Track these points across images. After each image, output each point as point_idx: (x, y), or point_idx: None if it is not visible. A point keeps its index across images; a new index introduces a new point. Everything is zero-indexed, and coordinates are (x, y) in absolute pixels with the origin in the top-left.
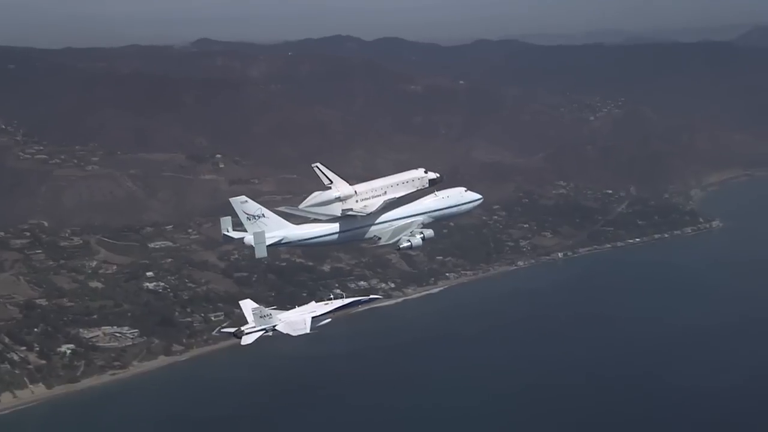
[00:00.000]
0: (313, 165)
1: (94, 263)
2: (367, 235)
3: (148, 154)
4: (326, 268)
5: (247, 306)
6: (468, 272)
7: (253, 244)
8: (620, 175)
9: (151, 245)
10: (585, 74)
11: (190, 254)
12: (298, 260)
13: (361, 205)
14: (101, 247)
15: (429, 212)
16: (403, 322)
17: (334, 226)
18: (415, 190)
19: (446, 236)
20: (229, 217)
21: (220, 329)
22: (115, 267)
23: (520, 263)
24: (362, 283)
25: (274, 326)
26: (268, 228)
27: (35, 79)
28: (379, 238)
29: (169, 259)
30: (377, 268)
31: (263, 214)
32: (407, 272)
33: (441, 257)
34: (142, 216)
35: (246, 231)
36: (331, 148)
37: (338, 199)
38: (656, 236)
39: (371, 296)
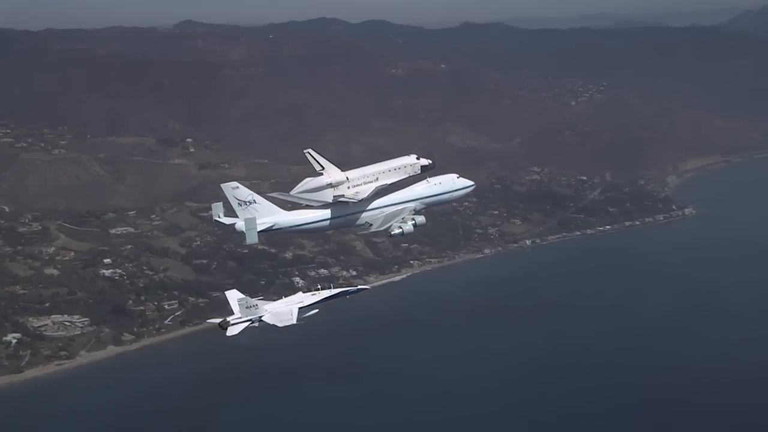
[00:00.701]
0: (304, 151)
1: (52, 249)
2: (359, 222)
3: (118, 138)
4: (288, 255)
5: (233, 296)
6: (433, 260)
7: (243, 230)
8: (597, 161)
9: (113, 231)
10: (570, 58)
11: (151, 240)
12: (260, 247)
13: (352, 191)
14: (61, 233)
15: (421, 198)
16: (358, 311)
17: (326, 213)
18: (407, 176)
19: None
20: (221, 203)
21: (207, 320)
22: (72, 253)
23: (487, 251)
24: (323, 270)
25: (261, 317)
26: (259, 214)
27: (10, 61)
28: (371, 225)
29: (129, 246)
30: (340, 255)
31: (254, 200)
32: (371, 260)
33: (406, 244)
34: (107, 201)
35: (237, 217)
36: (305, 132)
37: (329, 186)
38: (627, 224)
39: (359, 287)
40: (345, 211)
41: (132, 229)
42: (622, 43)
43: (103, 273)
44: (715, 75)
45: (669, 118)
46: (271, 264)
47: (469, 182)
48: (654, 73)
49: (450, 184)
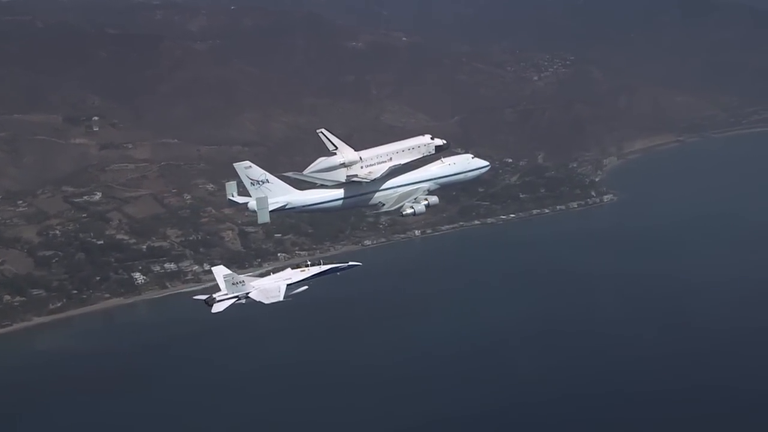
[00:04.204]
0: (317, 131)
1: None
2: (372, 201)
3: (24, 116)
4: (144, 247)
5: (220, 273)
6: (304, 252)
7: (256, 209)
8: (535, 142)
9: None
10: (549, 29)
11: (7, 229)
12: (119, 236)
13: (365, 171)
14: None
15: (435, 179)
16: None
17: (339, 192)
18: (420, 156)
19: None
20: (234, 182)
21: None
22: None
23: (368, 242)
24: (170, 265)
25: (247, 294)
26: (272, 193)
27: None
28: (383, 204)
29: None
30: (203, 247)
31: (267, 180)
32: (236, 252)
33: (280, 234)
34: None
35: (250, 196)
36: (228, 109)
37: (343, 165)
38: (535, 212)
39: (350, 263)
40: (358, 190)
41: None
42: (608, 11)
43: None
44: (695, 47)
45: (628, 94)
46: (119, 257)
47: (484, 162)
48: (630, 45)
49: (464, 164)
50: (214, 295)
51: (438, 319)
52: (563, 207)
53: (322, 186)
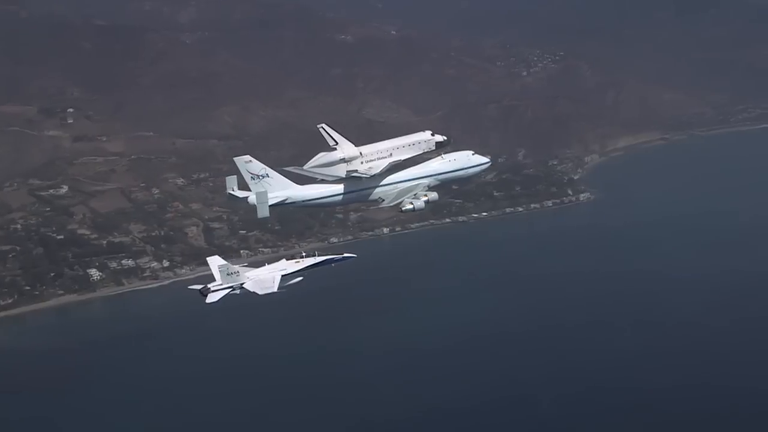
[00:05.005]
0: (318, 126)
1: None
2: (372, 197)
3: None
4: (104, 242)
5: (214, 263)
6: (267, 249)
7: (255, 203)
8: (517, 138)
9: None
10: (543, 24)
11: None
12: (81, 231)
13: (366, 166)
14: None
15: (435, 175)
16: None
17: (339, 187)
18: (421, 152)
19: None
20: (235, 177)
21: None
22: None
23: (334, 240)
24: (128, 262)
25: (242, 284)
26: (271, 188)
27: None
28: (383, 200)
29: None
30: (164, 243)
31: (267, 174)
32: (198, 249)
33: (245, 231)
34: None
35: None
36: (207, 102)
37: (343, 161)
38: (508, 210)
39: (345, 255)
40: (358, 186)
41: None
42: (604, 6)
43: None
44: (688, 44)
45: (615, 90)
46: (77, 252)
47: (485, 159)
48: (623, 41)
49: (465, 160)
50: (209, 285)
51: (393, 318)
52: (538, 206)
53: (323, 181)
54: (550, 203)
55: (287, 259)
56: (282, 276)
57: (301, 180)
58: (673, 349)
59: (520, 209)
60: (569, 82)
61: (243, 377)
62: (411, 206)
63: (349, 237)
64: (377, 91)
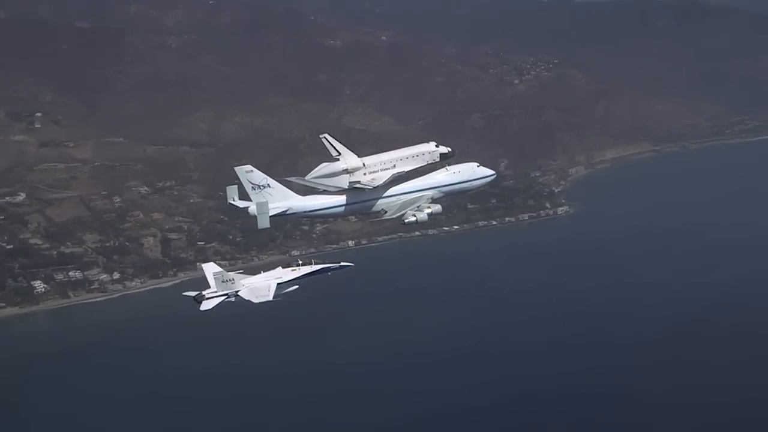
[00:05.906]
0: (320, 136)
1: None
2: (374, 208)
3: None
4: (54, 253)
5: (209, 270)
6: (224, 261)
7: (256, 214)
8: (500, 148)
9: None
10: (540, 32)
11: None
12: (33, 241)
13: (368, 177)
14: None
15: (439, 187)
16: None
17: (341, 198)
18: (425, 164)
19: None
20: (235, 186)
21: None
22: None
23: (295, 252)
24: (75, 273)
25: (237, 292)
26: (272, 198)
27: None
28: (385, 212)
29: None
30: (117, 254)
31: (268, 184)
32: (152, 260)
33: (203, 243)
34: None
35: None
36: (182, 107)
37: (345, 171)
38: (481, 224)
39: (342, 263)
40: (360, 197)
41: None
42: (603, 16)
43: None
44: (685, 54)
45: (607, 100)
46: (25, 262)
47: (490, 171)
48: (619, 51)
49: (470, 173)
50: (203, 292)
51: (342, 335)
52: (513, 219)
53: (325, 192)
54: (525, 216)
55: (283, 267)
56: (278, 284)
57: (303, 191)
58: (642, 364)
59: (494, 222)
60: (561, 91)
61: (218, 387)
62: (414, 218)
63: (312, 250)
64: (362, 98)
